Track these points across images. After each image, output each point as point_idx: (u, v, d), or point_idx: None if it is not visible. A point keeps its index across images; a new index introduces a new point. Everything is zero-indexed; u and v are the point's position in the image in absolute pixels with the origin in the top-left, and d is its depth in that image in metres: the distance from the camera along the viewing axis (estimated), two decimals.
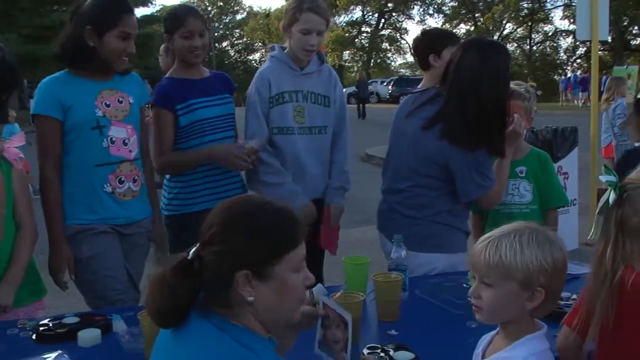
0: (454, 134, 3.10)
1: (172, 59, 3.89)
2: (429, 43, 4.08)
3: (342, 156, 3.79)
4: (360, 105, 30.37)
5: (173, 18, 3.54)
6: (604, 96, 9.58)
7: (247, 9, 75.45)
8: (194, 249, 1.67)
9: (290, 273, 1.68)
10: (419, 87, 3.67)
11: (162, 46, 5.07)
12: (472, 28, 55.02)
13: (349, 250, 5.00)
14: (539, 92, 30.15)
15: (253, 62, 68.54)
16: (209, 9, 69.14)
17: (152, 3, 47.58)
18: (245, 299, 1.64)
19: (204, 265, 1.65)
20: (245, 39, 72.47)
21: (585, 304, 1.95)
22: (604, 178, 1.91)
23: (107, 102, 3.22)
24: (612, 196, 1.88)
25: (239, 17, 74.20)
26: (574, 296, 2.73)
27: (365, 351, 2.22)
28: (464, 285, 2.86)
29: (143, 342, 2.29)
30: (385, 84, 44.15)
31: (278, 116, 3.64)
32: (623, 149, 8.79)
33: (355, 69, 64.70)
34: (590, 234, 1.97)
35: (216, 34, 62.63)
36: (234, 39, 73.55)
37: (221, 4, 71.80)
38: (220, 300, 1.66)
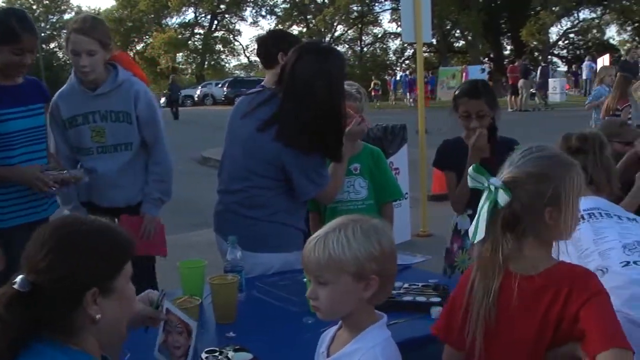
0: (289, 137, 3.12)
1: None
2: (277, 41, 4.09)
3: (161, 169, 3.80)
4: (173, 107, 31.66)
5: (5, 30, 3.31)
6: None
7: (76, 8, 72.23)
8: (21, 278, 1.60)
9: (126, 283, 1.73)
10: (263, 84, 3.69)
11: None
12: (304, 30, 55.93)
13: (186, 254, 4.92)
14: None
15: None
16: (34, 7, 65.76)
17: None
18: (93, 318, 1.64)
19: (43, 293, 1.60)
20: None
21: (471, 311, 1.98)
22: (495, 182, 1.93)
23: None
24: (500, 197, 1.90)
25: (67, 16, 70.88)
26: (406, 285, 2.83)
27: (204, 355, 2.18)
28: (300, 283, 2.88)
29: None
30: (220, 85, 44.05)
31: (75, 138, 3.72)
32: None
33: (190, 70, 64.03)
34: (471, 237, 2.00)
35: (43, 35, 59.68)
36: (62, 40, 70.29)
37: (47, 2, 68.40)
38: (62, 326, 1.63)
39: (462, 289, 2.06)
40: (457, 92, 3.67)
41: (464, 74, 29.82)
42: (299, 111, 3.12)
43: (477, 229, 1.96)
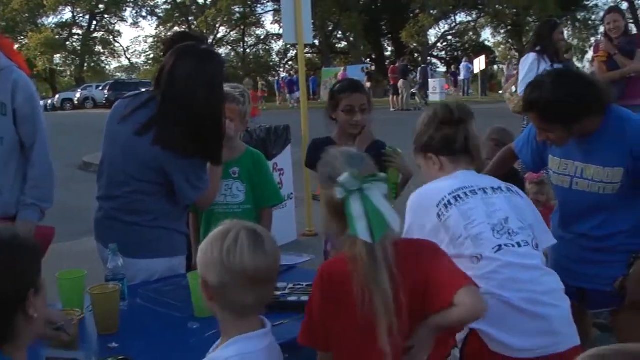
0: (168, 140, 3.08)
1: None
2: (187, 41, 3.98)
3: (37, 173, 3.50)
4: None
5: None
6: None
7: None
8: None
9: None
10: None
11: None
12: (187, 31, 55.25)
13: (68, 264, 4.75)
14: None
15: None
16: None
17: None
18: (32, 318, 1.68)
19: None
20: None
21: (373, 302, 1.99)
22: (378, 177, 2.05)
23: None
24: (383, 188, 2.03)
25: None
26: (291, 285, 2.86)
27: None
28: (185, 288, 2.84)
29: None
30: (100, 88, 42.88)
31: None
32: None
33: (68, 73, 61.95)
34: (379, 233, 2.02)
35: None
36: None
37: None
38: (3, 333, 1.66)
39: (316, 292, 2.13)
40: (335, 89, 3.72)
41: (339, 74, 30.20)
42: (178, 114, 3.08)
43: (388, 219, 2.00)
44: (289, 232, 7.21)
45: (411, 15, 49.26)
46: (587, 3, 51.27)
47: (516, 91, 6.78)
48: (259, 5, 55.27)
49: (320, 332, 2.10)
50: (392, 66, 30.56)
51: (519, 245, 2.46)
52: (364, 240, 1.96)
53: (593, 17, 50.74)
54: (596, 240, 3.08)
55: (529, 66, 6.46)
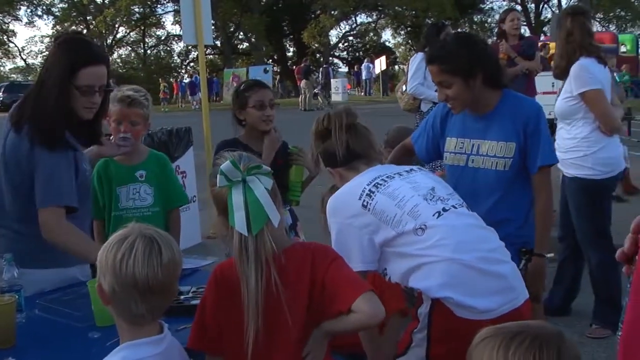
0: (35, 135, 2.94)
1: None
2: None
3: None
4: None
5: None
6: None
7: None
8: None
9: None
10: None
11: None
12: (85, 31, 53.75)
13: None
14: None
15: None
16: None
17: None
18: None
19: None
20: None
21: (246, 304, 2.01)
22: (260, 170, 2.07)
23: None
24: (267, 182, 2.05)
25: None
26: (194, 288, 2.83)
27: None
28: (85, 296, 2.76)
29: None
30: None
31: None
32: None
33: None
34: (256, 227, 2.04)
35: None
36: None
37: None
38: None
39: (210, 293, 2.13)
40: (242, 88, 3.74)
41: (230, 78, 30.08)
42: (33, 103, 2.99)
43: (268, 215, 2.01)
44: (193, 235, 7.15)
45: (312, 16, 49.73)
46: (483, 6, 53.14)
47: (406, 90, 6.92)
48: (159, 6, 54.51)
49: (212, 334, 2.09)
50: (296, 67, 30.76)
51: (455, 207, 2.51)
52: (239, 232, 1.98)
53: (489, 19, 52.62)
54: None
55: (417, 64, 6.65)
